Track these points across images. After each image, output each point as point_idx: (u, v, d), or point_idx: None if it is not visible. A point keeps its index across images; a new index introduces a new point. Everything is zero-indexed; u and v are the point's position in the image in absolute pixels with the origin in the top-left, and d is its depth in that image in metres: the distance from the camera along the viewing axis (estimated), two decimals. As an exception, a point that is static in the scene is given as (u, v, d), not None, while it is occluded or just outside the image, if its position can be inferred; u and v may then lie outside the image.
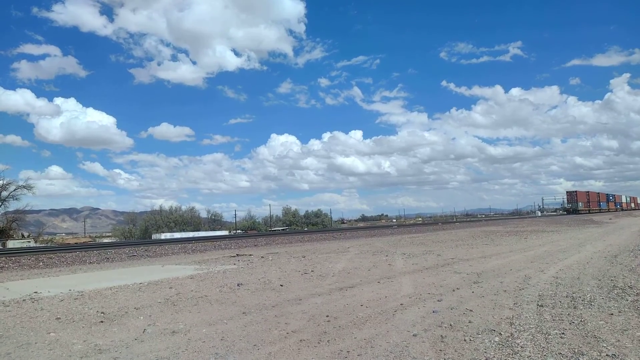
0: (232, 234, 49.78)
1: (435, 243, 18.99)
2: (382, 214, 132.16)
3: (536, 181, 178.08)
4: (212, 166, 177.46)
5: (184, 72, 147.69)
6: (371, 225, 73.53)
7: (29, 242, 33.52)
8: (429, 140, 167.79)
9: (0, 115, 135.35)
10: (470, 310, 5.88)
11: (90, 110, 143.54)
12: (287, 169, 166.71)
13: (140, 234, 55.27)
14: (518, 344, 4.39)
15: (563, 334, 4.72)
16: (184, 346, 4.69)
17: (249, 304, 6.77)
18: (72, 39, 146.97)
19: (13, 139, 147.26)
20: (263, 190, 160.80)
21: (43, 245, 31.21)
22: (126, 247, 21.71)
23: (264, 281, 9.06)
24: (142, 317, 6.06)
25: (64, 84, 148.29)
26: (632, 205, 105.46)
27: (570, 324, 5.11)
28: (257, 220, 67.63)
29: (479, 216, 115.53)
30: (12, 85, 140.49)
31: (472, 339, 4.61)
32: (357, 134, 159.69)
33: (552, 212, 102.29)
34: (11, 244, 30.95)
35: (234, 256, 15.65)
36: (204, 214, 68.79)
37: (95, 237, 65.39)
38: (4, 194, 40.76)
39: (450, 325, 5.19)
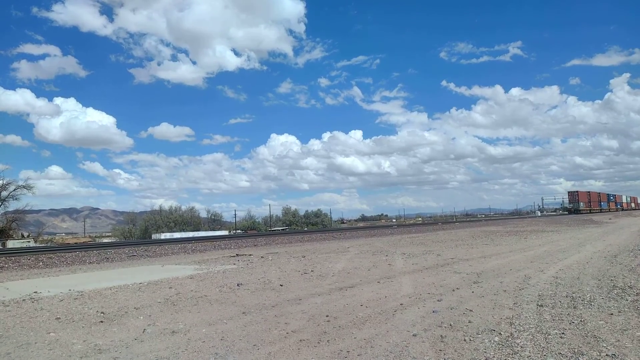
0: (232, 234, 49.78)
1: (435, 243, 18.99)
2: (382, 214, 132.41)
3: (536, 181, 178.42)
4: (212, 166, 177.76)
5: (184, 72, 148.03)
6: (371, 225, 73.53)
7: (29, 242, 33.53)
8: (429, 140, 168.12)
9: (0, 115, 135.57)
10: (470, 310, 5.88)
11: (90, 110, 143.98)
12: (287, 169, 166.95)
13: (140, 234, 55.28)
14: (518, 344, 4.39)
15: (563, 333, 4.72)
16: (183, 346, 4.68)
17: (249, 304, 6.76)
18: (72, 39, 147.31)
19: (13, 139, 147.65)
20: (263, 190, 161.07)
21: (43, 245, 31.20)
22: (126, 247, 21.71)
23: (264, 281, 9.06)
24: (142, 317, 6.06)
25: (64, 83, 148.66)
26: (633, 205, 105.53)
27: (570, 323, 5.11)
28: (257, 220, 67.67)
29: (478, 216, 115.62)
30: (12, 85, 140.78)
31: (472, 339, 4.61)
32: (357, 134, 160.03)
33: (552, 212, 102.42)
34: (11, 243, 30.95)
35: (234, 256, 15.65)
36: (203, 214, 68.87)
37: (95, 237, 65.39)
38: (4, 193, 40.80)
39: (450, 325, 5.19)
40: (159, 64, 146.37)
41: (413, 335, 4.83)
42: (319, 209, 74.51)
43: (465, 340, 4.60)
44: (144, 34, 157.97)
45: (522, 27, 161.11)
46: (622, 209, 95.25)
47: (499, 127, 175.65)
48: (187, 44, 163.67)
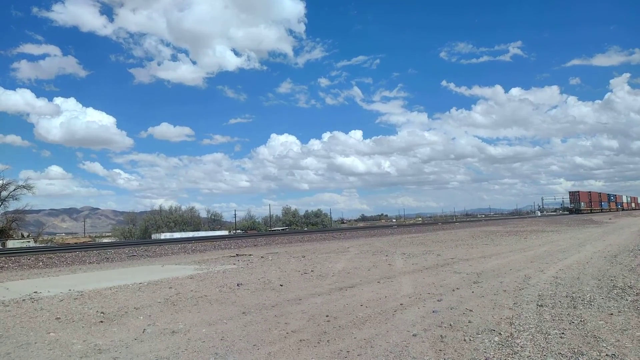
0: (232, 234, 49.77)
1: (435, 243, 18.99)
2: (382, 214, 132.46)
3: (536, 181, 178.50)
4: (212, 166, 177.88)
5: (184, 72, 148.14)
6: (371, 225, 73.52)
7: (29, 242, 33.52)
8: (429, 140, 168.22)
9: (0, 115, 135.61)
10: (470, 310, 5.88)
11: (90, 110, 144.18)
12: (287, 169, 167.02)
13: (140, 234, 55.28)
14: (518, 344, 4.39)
15: (563, 333, 4.72)
16: (183, 346, 4.68)
17: (249, 304, 6.76)
18: (72, 39, 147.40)
19: (13, 138, 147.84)
20: (263, 190, 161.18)
21: (43, 245, 31.21)
22: (126, 247, 21.71)
23: (264, 281, 9.06)
24: (141, 317, 6.06)
25: (64, 83, 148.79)
26: (633, 205, 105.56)
27: (570, 323, 5.11)
28: (257, 220, 67.68)
29: (478, 216, 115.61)
30: (12, 85, 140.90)
31: (471, 339, 4.61)
32: (357, 134, 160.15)
33: (552, 212, 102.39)
34: (11, 243, 30.95)
35: (234, 256, 15.64)
36: (203, 214, 68.91)
37: (95, 237, 65.39)
38: (4, 193, 40.80)
39: (450, 325, 5.19)
40: (159, 64, 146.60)
41: (413, 335, 4.83)
42: (319, 209, 74.59)
43: (465, 340, 4.60)
44: (144, 34, 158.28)
45: (522, 27, 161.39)
46: (623, 209, 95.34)
47: (499, 127, 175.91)
48: (187, 44, 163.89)
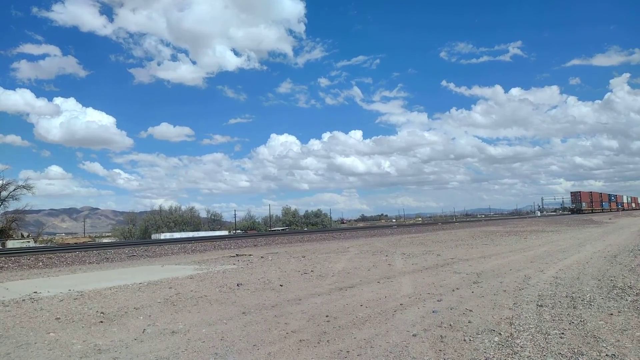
0: (232, 234, 49.77)
1: (435, 243, 18.99)
2: (382, 214, 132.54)
3: (536, 181, 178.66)
4: (212, 166, 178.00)
5: (183, 72, 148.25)
6: (371, 225, 73.52)
7: (29, 242, 33.52)
8: (429, 140, 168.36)
9: (0, 115, 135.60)
10: (470, 310, 5.88)
11: (90, 110, 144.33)
12: (287, 169, 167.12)
13: (139, 234, 55.31)
14: (518, 344, 4.39)
15: (563, 334, 4.72)
16: (183, 346, 4.68)
17: (249, 304, 6.76)
18: (72, 39, 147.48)
19: (13, 138, 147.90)
20: (263, 190, 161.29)
21: (43, 245, 31.20)
22: (126, 247, 21.70)
23: (264, 281, 9.05)
24: (141, 317, 6.06)
25: (64, 83, 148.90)
26: (633, 205, 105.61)
27: (569, 324, 5.11)
28: (256, 220, 67.74)
29: (478, 216, 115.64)
30: (12, 85, 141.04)
31: (471, 339, 4.61)
32: (357, 134, 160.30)
33: (551, 212, 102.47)
34: (11, 244, 30.95)
35: (234, 256, 15.64)
36: (203, 214, 68.98)
37: (95, 237, 65.41)
38: (4, 194, 40.82)
39: (450, 325, 5.18)
40: (158, 64, 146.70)
41: (413, 335, 4.83)
42: (319, 209, 74.70)
43: (465, 340, 4.60)
44: (143, 34, 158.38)
45: (522, 27, 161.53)
46: (623, 209, 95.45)
47: (499, 127, 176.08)
48: (187, 44, 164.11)
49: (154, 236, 47.81)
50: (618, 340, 4.45)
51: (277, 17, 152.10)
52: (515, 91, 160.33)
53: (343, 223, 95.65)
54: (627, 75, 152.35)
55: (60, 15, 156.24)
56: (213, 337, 5.01)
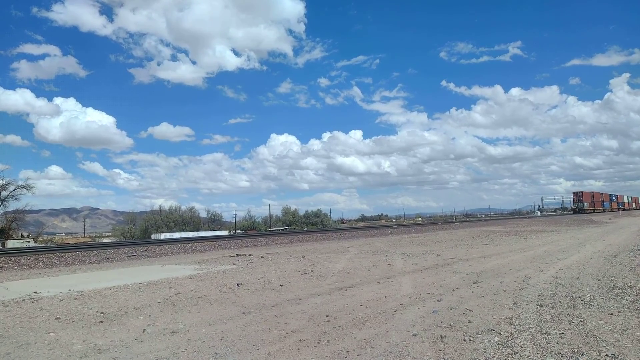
0: (232, 234, 49.77)
1: (435, 243, 18.99)
2: (382, 214, 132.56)
3: (536, 181, 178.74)
4: (212, 166, 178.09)
5: (183, 72, 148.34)
6: (371, 225, 73.51)
7: (29, 242, 33.51)
8: (429, 140, 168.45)
9: (0, 115, 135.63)
10: (470, 310, 5.88)
11: (90, 110, 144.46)
12: (287, 168, 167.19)
13: (139, 234, 55.31)
14: (518, 344, 4.39)
15: (562, 333, 4.72)
16: (183, 346, 4.68)
17: (249, 304, 6.76)
18: (72, 39, 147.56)
19: (13, 138, 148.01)
20: (263, 190, 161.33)
21: (42, 245, 31.20)
22: (126, 247, 21.70)
23: (264, 281, 9.05)
24: (141, 317, 6.06)
25: (64, 83, 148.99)
26: (634, 205, 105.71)
27: (569, 323, 5.11)
28: (256, 220, 67.76)
29: (478, 216, 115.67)
30: (12, 85, 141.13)
31: (471, 339, 4.61)
32: (357, 134, 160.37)
33: (551, 212, 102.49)
34: (11, 243, 30.94)
35: (234, 256, 15.64)
36: (203, 214, 69.00)
37: (95, 237, 65.44)
38: (4, 193, 40.83)
39: (450, 325, 5.18)
40: (158, 64, 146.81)
41: (413, 335, 4.83)
42: (318, 209, 74.72)
43: (465, 340, 4.60)
44: (143, 34, 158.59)
45: (522, 27, 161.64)
46: (624, 209, 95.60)
47: (499, 127, 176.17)
48: (187, 44, 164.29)
49: (154, 236, 47.82)
50: (618, 340, 4.45)
51: (277, 17, 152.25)
52: (515, 91, 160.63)
53: (343, 223, 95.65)
54: (627, 75, 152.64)
55: (60, 15, 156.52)
56: (213, 337, 5.01)
